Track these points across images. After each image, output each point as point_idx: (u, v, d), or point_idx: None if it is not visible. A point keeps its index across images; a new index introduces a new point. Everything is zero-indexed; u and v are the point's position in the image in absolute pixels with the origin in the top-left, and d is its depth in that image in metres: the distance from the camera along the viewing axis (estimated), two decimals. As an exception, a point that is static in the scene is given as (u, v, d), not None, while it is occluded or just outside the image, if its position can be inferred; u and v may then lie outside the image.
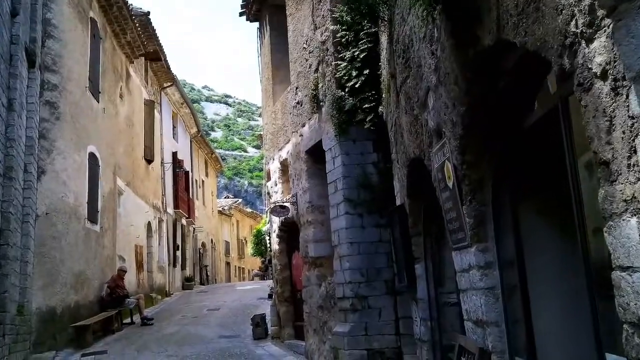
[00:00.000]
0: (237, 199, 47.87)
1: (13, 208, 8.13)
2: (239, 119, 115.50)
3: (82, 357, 10.36)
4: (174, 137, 24.69)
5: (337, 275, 8.04)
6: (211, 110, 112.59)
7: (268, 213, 12.12)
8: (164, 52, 20.30)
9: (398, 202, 6.69)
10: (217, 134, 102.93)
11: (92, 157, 13.11)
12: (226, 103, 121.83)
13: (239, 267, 43.88)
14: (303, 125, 9.40)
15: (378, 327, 7.58)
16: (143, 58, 19.30)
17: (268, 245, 13.54)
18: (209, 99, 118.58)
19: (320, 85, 8.65)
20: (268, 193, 11.72)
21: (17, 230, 9.01)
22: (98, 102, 13.80)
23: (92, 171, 13.00)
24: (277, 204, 9.89)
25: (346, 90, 8.00)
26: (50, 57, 11.26)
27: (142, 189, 18.33)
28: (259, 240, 39.17)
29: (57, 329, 10.77)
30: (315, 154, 9.14)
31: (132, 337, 12.17)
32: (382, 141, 7.91)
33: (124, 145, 16.42)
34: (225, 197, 47.82)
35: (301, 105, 9.49)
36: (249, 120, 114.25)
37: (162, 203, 21.49)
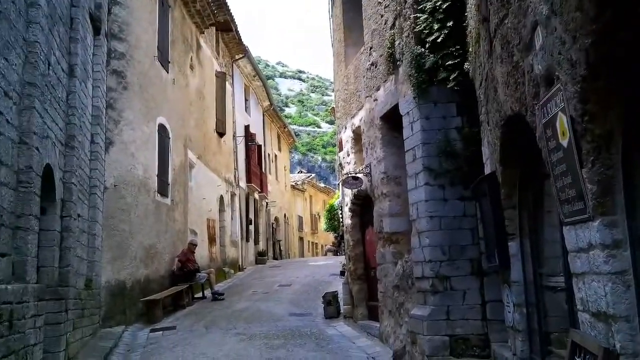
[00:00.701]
0: (310, 174, 47.63)
1: (76, 179, 7.84)
2: (313, 95, 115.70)
3: (150, 333, 10.15)
4: (246, 111, 24.40)
5: (415, 253, 7.27)
6: (285, 86, 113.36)
7: (340, 185, 11.45)
8: (234, 23, 19.88)
9: (487, 171, 5.82)
10: (291, 110, 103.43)
11: (162, 129, 12.85)
12: (300, 79, 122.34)
13: (312, 242, 43.76)
14: (377, 89, 8.60)
15: (462, 311, 6.77)
16: (214, 29, 18.97)
17: (340, 220, 12.89)
18: (282, 75, 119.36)
19: (397, 42, 7.81)
20: (340, 164, 11.03)
21: (84, 202, 8.78)
22: (167, 72, 13.51)
23: (161, 143, 12.75)
24: (349, 175, 9.19)
25: (426, 46, 7.12)
26: (117, 24, 10.97)
27: (214, 162, 18.11)
28: (332, 215, 38.80)
29: (126, 304, 10.63)
30: (391, 120, 8.35)
31: (201, 313, 11.91)
32: (467, 103, 7.03)
33: (195, 117, 16.16)
34: (298, 172, 47.65)
35: (376, 67, 8.68)
36: (323, 95, 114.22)
37: (235, 177, 21.28)
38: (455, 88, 6.99)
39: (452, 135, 7.06)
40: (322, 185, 50.53)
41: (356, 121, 9.78)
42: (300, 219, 39.16)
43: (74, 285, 7.84)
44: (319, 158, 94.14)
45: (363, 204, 10.16)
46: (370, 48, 8.91)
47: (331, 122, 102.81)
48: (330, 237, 42.27)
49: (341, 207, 12.43)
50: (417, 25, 7.24)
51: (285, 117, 55.01)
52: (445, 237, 6.90)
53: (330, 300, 11.07)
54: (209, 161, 17.49)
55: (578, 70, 3.04)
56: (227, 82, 20.36)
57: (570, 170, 3.36)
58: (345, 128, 10.52)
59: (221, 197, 18.95)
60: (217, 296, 13.67)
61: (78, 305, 8.22)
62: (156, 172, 12.27)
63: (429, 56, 7.08)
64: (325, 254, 36.40)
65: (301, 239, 39.49)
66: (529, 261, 5.10)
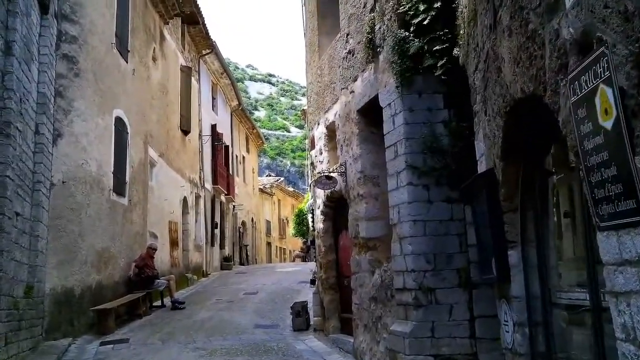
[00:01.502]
0: (279, 178, 46.76)
1: (13, 172, 6.88)
2: (282, 99, 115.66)
3: (100, 346, 9.16)
4: (213, 109, 23.43)
5: (395, 261, 6.50)
6: (254, 89, 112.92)
7: (311, 186, 10.64)
8: (202, 16, 18.98)
9: (482, 169, 5.08)
10: (260, 114, 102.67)
11: (119, 123, 11.86)
12: (270, 82, 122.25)
13: (280, 247, 42.82)
14: (355, 80, 7.83)
15: (448, 328, 6.02)
16: (179, 21, 18.03)
17: (311, 224, 12.07)
18: (252, 78, 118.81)
19: (377, 26, 7.04)
20: (312, 163, 10.22)
21: (25, 200, 7.80)
22: (127, 62, 12.53)
23: (119, 138, 11.76)
24: (322, 174, 8.37)
25: (411, 29, 6.38)
26: (69, 4, 10.00)
27: (177, 161, 17.11)
28: (301, 220, 38.04)
29: (74, 313, 9.62)
30: (370, 114, 7.58)
31: (159, 324, 10.94)
32: (456, 95, 6.32)
33: (157, 113, 15.17)
34: (267, 176, 46.70)
35: (353, 55, 7.90)
36: (292, 99, 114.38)
37: (200, 178, 20.30)
38: (443, 77, 6.26)
39: (438, 129, 6.31)
40: (291, 189, 49.69)
41: (330, 116, 8.98)
42: (268, 223, 38.20)
43: (7, 294, 6.86)
44: (288, 162, 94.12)
45: (337, 207, 9.36)
46: (347, 35, 8.13)
47: (301, 127, 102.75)
48: (299, 242, 41.48)
49: (312, 210, 11.61)
50: (401, 7, 6.49)
51: (255, 120, 54.07)
52: (430, 243, 6.14)
53: (300, 311, 10.23)
54: (172, 160, 16.50)
55: (636, 24, 2.30)
56: (192, 78, 19.38)
57: (614, 160, 2.60)
58: (318, 124, 9.72)
59: (185, 199, 17.95)
60: (177, 305, 12.71)
61: (14, 316, 7.23)
62: (112, 169, 11.28)
63: (414, 41, 6.34)
64: (294, 260, 35.57)
65: (269, 244, 38.52)
66: (534, 273, 4.36)
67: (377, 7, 7.06)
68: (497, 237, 4.66)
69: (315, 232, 10.33)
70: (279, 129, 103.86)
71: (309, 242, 34.01)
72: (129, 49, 12.68)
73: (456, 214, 6.20)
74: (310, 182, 10.74)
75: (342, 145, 8.40)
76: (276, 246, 41.39)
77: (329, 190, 8.87)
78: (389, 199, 6.69)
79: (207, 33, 20.25)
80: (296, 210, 41.24)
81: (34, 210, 8.25)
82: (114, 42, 11.63)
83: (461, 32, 5.70)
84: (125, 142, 12.28)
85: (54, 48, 9.38)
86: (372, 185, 7.63)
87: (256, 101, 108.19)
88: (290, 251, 44.84)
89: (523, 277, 4.45)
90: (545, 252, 4.31)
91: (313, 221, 11.26)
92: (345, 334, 8.99)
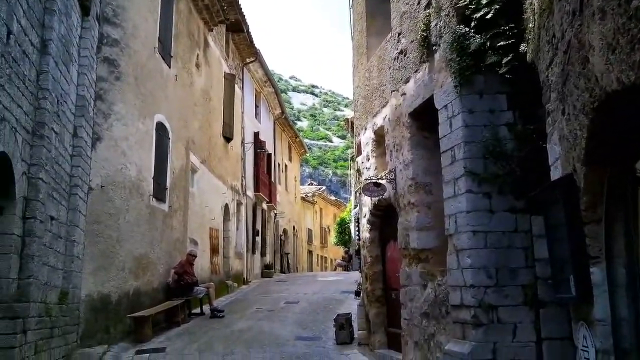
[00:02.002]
0: (320, 186, 46.40)
1: (47, 174, 6.62)
2: (325, 109, 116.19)
3: (136, 355, 8.86)
4: (256, 117, 23.22)
5: (452, 275, 5.96)
6: (298, 100, 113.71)
7: (357, 194, 10.16)
8: (246, 23, 18.80)
9: (556, 175, 4.52)
10: (303, 124, 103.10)
11: (161, 128, 11.64)
12: (313, 93, 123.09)
13: (321, 256, 42.39)
14: (407, 81, 7.33)
15: (511, 349, 5.44)
16: (224, 28, 17.87)
17: (356, 233, 11.58)
18: (296, 89, 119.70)
19: (433, 23, 6.55)
20: (358, 170, 9.74)
21: (61, 204, 7.57)
22: (169, 67, 12.34)
23: (159, 143, 11.54)
24: (370, 181, 7.88)
25: (472, 24, 5.88)
26: (111, 7, 9.82)
27: (219, 168, 16.87)
28: (343, 229, 37.65)
29: (111, 320, 9.35)
30: (422, 117, 7.09)
31: (197, 332, 10.61)
32: (521, 95, 5.78)
33: (200, 119, 14.96)
34: (309, 184, 46.41)
35: (405, 55, 7.42)
36: (335, 110, 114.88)
37: (242, 185, 20.05)
38: (507, 76, 5.72)
39: (501, 132, 5.76)
40: (333, 198, 49.27)
41: (379, 120, 8.50)
42: (309, 231, 37.83)
43: (39, 300, 6.60)
44: (330, 172, 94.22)
45: (384, 216, 8.85)
46: (399, 34, 7.66)
47: (343, 137, 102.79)
48: (340, 251, 41.00)
49: (357, 218, 11.13)
50: (461, 1, 5.99)
51: (298, 130, 54.03)
52: (491, 257, 5.59)
53: (343, 324, 9.74)
54: (214, 167, 16.27)
55: None
56: (236, 85, 19.19)
57: None
58: (365, 129, 9.24)
59: (226, 206, 17.69)
60: (216, 313, 12.38)
61: (45, 323, 6.97)
62: (152, 175, 11.05)
63: (475, 37, 5.83)
64: (335, 269, 35.04)
65: (310, 252, 38.13)
66: (622, 293, 3.79)
67: (433, 3, 6.56)
68: (576, 251, 4.10)
69: (361, 242, 9.84)
70: (321, 139, 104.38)
71: (351, 251, 33.51)
72: (171, 55, 12.49)
73: (521, 225, 5.63)
74: (356, 189, 10.25)
75: (391, 151, 7.91)
76: (317, 254, 40.98)
77: (377, 198, 8.38)
78: (445, 208, 6.17)
79: (251, 41, 20.06)
80: (338, 219, 40.85)
81: (70, 215, 8.02)
82: (157, 46, 11.44)
83: (530, 25, 5.16)
84: (167, 148, 12.07)
85: (95, 51, 9.20)
86: (424, 193, 7.11)
87: (299, 112, 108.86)
88: (331, 260, 44.36)
89: (608, 297, 3.88)
90: (636, 270, 3.73)
91: (358, 230, 10.77)
92: (393, 349, 8.46)
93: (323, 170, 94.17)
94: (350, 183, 36.84)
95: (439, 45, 6.37)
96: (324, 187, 47.90)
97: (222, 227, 17.27)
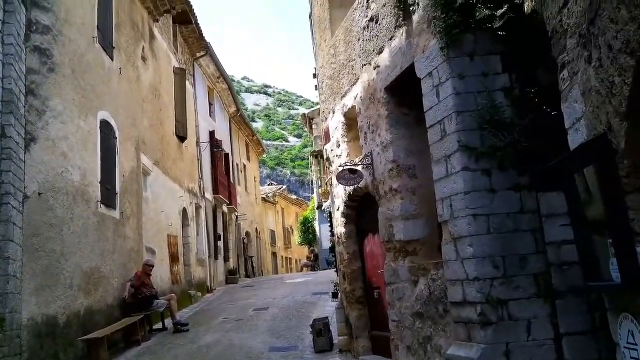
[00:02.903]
0: (280, 186, 45.40)
1: (-35, 180, 5.53)
2: (279, 109, 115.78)
3: (89, 383, 7.79)
4: (210, 115, 22.11)
5: (449, 268, 5.15)
6: (251, 101, 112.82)
7: (330, 185, 9.29)
8: (194, 14, 17.71)
9: (578, 138, 3.75)
10: (258, 125, 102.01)
11: (106, 126, 10.54)
12: (266, 93, 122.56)
13: (285, 257, 41.40)
14: (380, 52, 6.50)
15: (527, 350, 4.67)
16: (170, 19, 16.76)
17: (331, 230, 10.70)
18: (249, 90, 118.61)
19: (408, -19, 5.73)
20: (327, 159, 8.87)
21: (-12, 215, 6.43)
22: (112, 59, 11.22)
23: (105, 143, 10.44)
24: (344, 168, 7.02)
25: (457, -24, 5.08)
26: (39, -11, 8.65)
27: (174, 170, 15.76)
28: (307, 227, 36.81)
29: (59, 345, 8.25)
30: (401, 91, 6.29)
31: (159, 351, 9.57)
32: (516, 55, 5.02)
33: (150, 117, 13.85)
34: (268, 184, 45.37)
35: (376, 23, 6.58)
36: (289, 109, 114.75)
37: (199, 187, 18.95)
38: (500, 33, 4.95)
39: (497, 98, 4.98)
40: (294, 197, 48.36)
41: (348, 101, 7.66)
42: (272, 233, 36.79)
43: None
44: (288, 172, 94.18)
45: (360, 207, 8.02)
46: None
47: (299, 136, 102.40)
48: (305, 251, 40.15)
49: (329, 213, 10.27)
50: (441, -52, 5.18)
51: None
52: (496, 243, 4.80)
53: (321, 330, 8.87)
54: (168, 168, 15.15)
55: None
56: (187, 81, 18.08)
57: None
58: (333, 112, 8.38)
59: (184, 210, 16.58)
60: (179, 327, 11.33)
61: (-24, 358, 5.87)
62: (99, 178, 9.95)
63: (461, -11, 5.03)
64: (301, 270, 34.18)
65: (274, 254, 37.10)
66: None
67: (406, -43, 5.75)
68: (616, 228, 3.33)
69: (335, 238, 8.97)
70: (277, 139, 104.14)
71: (316, 250, 32.68)
72: (114, 45, 11.38)
73: (527, 204, 4.86)
74: (326, 180, 9.38)
75: (365, 133, 7.07)
76: (282, 256, 39.96)
77: (351, 188, 7.53)
78: (436, 191, 5.36)
79: (200, 33, 18.98)
80: (301, 218, 39.98)
81: (1, 228, 6.92)
82: (96, 35, 10.32)
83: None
84: (114, 148, 10.96)
85: (23, 39, 8.07)
86: (408, 177, 6.30)
87: (253, 112, 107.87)
88: (296, 260, 43.43)
89: (664, 283, 3.12)
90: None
91: (331, 225, 9.90)
92: (378, 354, 7.64)
93: (281, 171, 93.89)
94: (311, 181, 36.00)
95: (418, 4, 5.55)
96: (284, 187, 46.92)
97: (181, 232, 16.16)
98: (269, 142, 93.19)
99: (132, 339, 10.27)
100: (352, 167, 6.98)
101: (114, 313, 10.31)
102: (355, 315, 8.12)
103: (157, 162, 14.15)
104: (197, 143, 19.13)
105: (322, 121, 9.18)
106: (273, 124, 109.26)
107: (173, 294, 12.39)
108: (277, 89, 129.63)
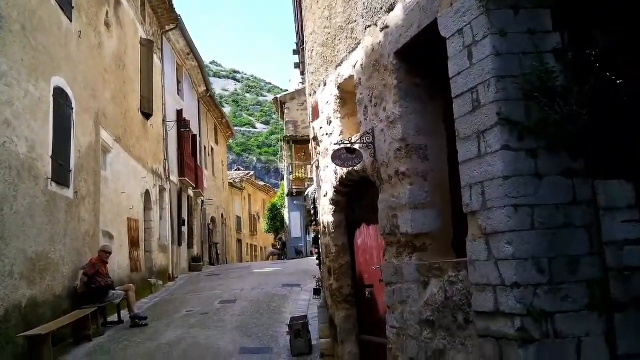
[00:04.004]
0: (248, 171, 44.18)
1: None
2: (247, 95, 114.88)
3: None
4: (178, 93, 20.81)
5: (477, 270, 4.19)
6: (219, 86, 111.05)
7: (315, 167, 8.24)
8: (164, -20, 16.36)
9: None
10: (226, 110, 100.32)
11: (60, 94, 9.30)
12: (234, 78, 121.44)
13: (250, 244, 40.28)
14: (390, 9, 5.47)
15: (577, 376, 3.74)
16: (137, -15, 15.40)
17: (313, 216, 9.68)
18: (217, 74, 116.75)
19: None
20: (315, 138, 7.82)
21: None
22: (70, 20, 9.94)
23: (59, 113, 9.21)
24: (342, 146, 5.99)
25: None
26: None
27: (137, 148, 14.50)
28: (274, 214, 35.68)
29: (-5, 343, 7.04)
30: (414, 57, 5.28)
31: (112, 350, 8.46)
32: (570, 9, 4.06)
33: (112, 89, 12.59)
34: (235, 169, 44.08)
35: (387, -27, 5.55)
36: (258, 95, 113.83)
37: (164, 168, 17.69)
38: (553, -20, 3.98)
39: (547, 62, 4.01)
40: (262, 183, 47.20)
41: (345, 70, 6.61)
42: (238, 219, 35.60)
43: None
44: (254, 158, 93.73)
45: (352, 193, 7.01)
46: (374, -52, 5.77)
47: (266, 122, 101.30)
48: (270, 238, 39.09)
49: (314, 199, 9.23)
50: None
51: (221, 111, 51.42)
52: (542, 242, 3.84)
53: (300, 330, 7.88)
54: (131, 146, 13.89)
55: None
56: (155, 55, 16.75)
57: None
58: (324, 84, 7.32)
59: (147, 192, 15.34)
60: (137, 321, 10.21)
61: None
62: (49, 152, 8.72)
63: None
64: (267, 258, 33.16)
65: (239, 241, 35.91)
66: None
67: None
68: None
69: (320, 227, 7.94)
70: (244, 125, 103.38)
71: (283, 238, 31.61)
72: (72, 5, 10.09)
73: (581, 194, 3.92)
74: (314, 160, 8.34)
75: (366, 107, 6.04)
76: (247, 243, 38.80)
77: (345, 170, 6.51)
78: (461, 175, 4.37)
79: (170, 4, 17.63)
80: (268, 204, 38.86)
81: None
82: (51, -12, 9.04)
83: None
84: (69, 119, 9.72)
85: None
86: (418, 159, 5.31)
87: (221, 97, 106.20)
88: (261, 248, 42.36)
89: None
90: None
91: (315, 212, 8.87)
92: (367, 363, 6.67)
93: (247, 157, 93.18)
94: (283, 167, 34.86)
95: (445, -53, 4.54)
96: (252, 172, 45.70)
97: (143, 216, 14.93)
98: (236, 128, 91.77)
99: (83, 334, 9.10)
100: (351, 146, 5.94)
101: (63, 305, 9.13)
102: (342, 316, 7.13)
103: (119, 139, 12.88)
104: (164, 121, 17.85)
105: (310, 95, 8.11)
106: (241, 110, 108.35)
107: (131, 284, 11.21)
108: (245, 74, 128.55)
